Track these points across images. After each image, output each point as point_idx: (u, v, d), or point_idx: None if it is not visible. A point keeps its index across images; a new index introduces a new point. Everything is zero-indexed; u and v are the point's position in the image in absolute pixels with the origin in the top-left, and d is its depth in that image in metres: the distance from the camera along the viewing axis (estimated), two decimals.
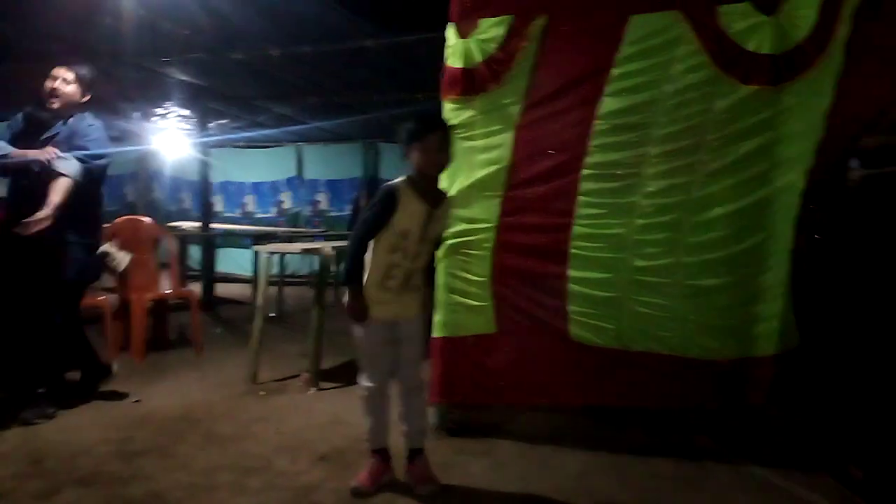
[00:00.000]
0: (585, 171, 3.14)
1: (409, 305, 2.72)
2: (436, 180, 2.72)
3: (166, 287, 5.51)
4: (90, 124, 3.65)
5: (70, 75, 3.60)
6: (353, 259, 2.62)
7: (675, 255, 3.08)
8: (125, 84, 7.04)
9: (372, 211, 2.59)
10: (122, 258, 4.09)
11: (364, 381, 2.72)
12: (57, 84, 3.56)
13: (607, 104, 3.09)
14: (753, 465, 2.98)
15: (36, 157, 3.38)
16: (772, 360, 3.00)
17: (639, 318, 3.12)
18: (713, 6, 2.96)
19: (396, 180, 2.63)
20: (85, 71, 3.67)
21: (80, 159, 3.46)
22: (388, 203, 2.56)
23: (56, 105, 3.55)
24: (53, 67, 3.56)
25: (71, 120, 3.60)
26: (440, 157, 2.62)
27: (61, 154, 3.40)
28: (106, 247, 4.14)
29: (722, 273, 3.03)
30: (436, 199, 2.68)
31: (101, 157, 3.61)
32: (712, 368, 3.05)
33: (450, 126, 2.72)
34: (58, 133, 3.54)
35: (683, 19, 2.99)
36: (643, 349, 3.12)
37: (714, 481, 2.86)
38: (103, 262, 4.09)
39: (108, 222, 6.78)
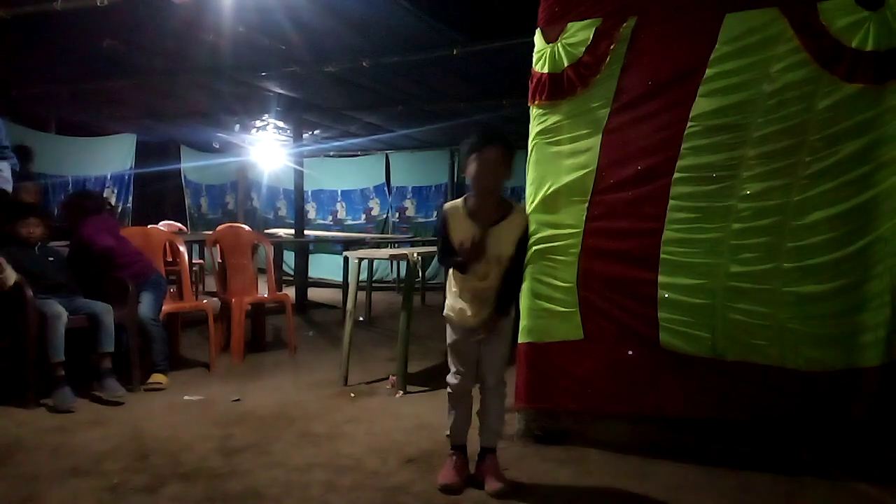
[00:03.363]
0: (677, 175, 3.06)
1: (484, 318, 2.74)
2: (493, 197, 2.71)
3: (263, 291, 5.75)
4: None
5: None
6: (444, 264, 2.85)
7: (774, 260, 2.96)
8: (226, 98, 7.41)
9: (437, 232, 2.83)
10: (10, 274, 3.84)
11: (449, 378, 2.83)
12: None
13: (701, 105, 3.01)
14: (856, 480, 2.82)
15: None
16: (877, 371, 2.83)
17: (734, 326, 3.01)
18: (813, 2, 2.83)
19: (455, 200, 2.75)
20: None
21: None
22: (441, 224, 2.74)
23: None
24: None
25: None
26: (495, 172, 2.62)
27: None
28: None
29: (824, 279, 2.89)
30: (494, 218, 2.69)
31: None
32: (812, 380, 2.91)
33: (509, 144, 2.67)
34: None
35: (782, 16, 2.88)
36: (738, 359, 3.01)
37: (812, 497, 2.73)
38: None
39: (210, 229, 7.14)
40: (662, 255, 3.09)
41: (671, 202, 3.08)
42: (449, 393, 2.84)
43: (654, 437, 3.32)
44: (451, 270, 2.82)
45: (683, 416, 3.22)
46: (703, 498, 2.72)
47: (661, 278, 3.10)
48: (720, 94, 2.98)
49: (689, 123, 3.02)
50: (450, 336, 2.84)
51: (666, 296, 3.09)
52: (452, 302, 2.81)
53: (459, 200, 2.75)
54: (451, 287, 2.83)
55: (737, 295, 3.00)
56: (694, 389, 3.09)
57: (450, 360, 2.86)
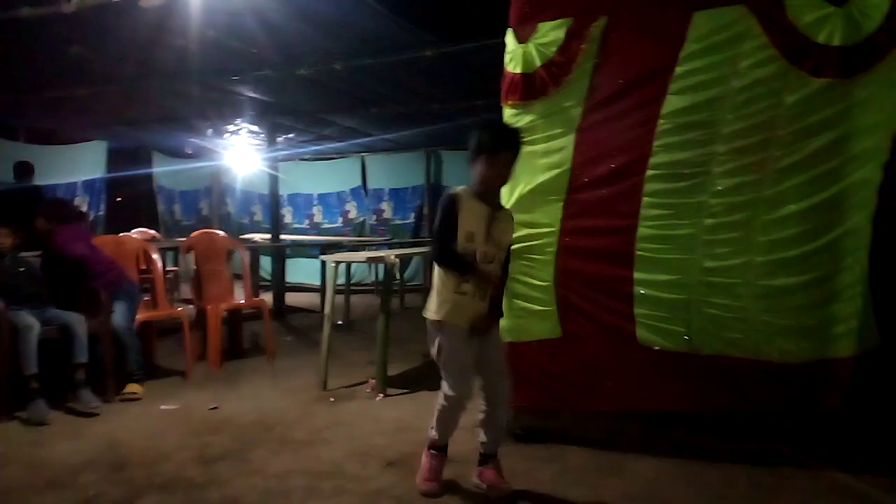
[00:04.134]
0: (650, 172, 3.09)
1: (485, 310, 2.72)
2: (497, 192, 2.77)
3: (240, 297, 5.70)
4: None
5: None
6: (446, 257, 2.66)
7: (747, 254, 2.99)
8: (198, 102, 7.33)
9: (438, 217, 2.68)
10: None
11: (447, 390, 2.66)
12: None
13: (671, 103, 3.03)
14: (833, 470, 2.86)
15: None
16: (850, 361, 2.87)
17: (709, 320, 3.04)
18: None
19: (460, 187, 2.70)
20: None
21: None
22: (449, 206, 2.64)
23: None
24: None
25: None
26: (506, 174, 2.68)
27: None
28: None
29: (796, 272, 2.93)
30: (497, 205, 2.76)
31: None
32: (787, 371, 2.95)
33: (520, 144, 2.74)
34: None
35: (749, 13, 2.91)
36: (714, 352, 3.04)
37: (791, 488, 2.76)
38: None
39: (184, 236, 7.06)
40: (637, 252, 3.12)
41: (645, 199, 3.10)
42: (445, 406, 2.68)
43: (634, 433, 3.34)
44: (439, 273, 2.69)
45: (662, 411, 3.25)
46: (683, 492, 2.74)
47: (636, 275, 3.12)
48: (690, 92, 3.01)
49: (661, 121, 3.05)
50: (446, 342, 2.66)
51: (641, 292, 3.11)
52: (452, 299, 2.65)
53: (464, 187, 2.70)
54: (446, 284, 2.67)
55: (711, 289, 3.04)
56: (672, 384, 3.11)
57: (446, 370, 2.68)
